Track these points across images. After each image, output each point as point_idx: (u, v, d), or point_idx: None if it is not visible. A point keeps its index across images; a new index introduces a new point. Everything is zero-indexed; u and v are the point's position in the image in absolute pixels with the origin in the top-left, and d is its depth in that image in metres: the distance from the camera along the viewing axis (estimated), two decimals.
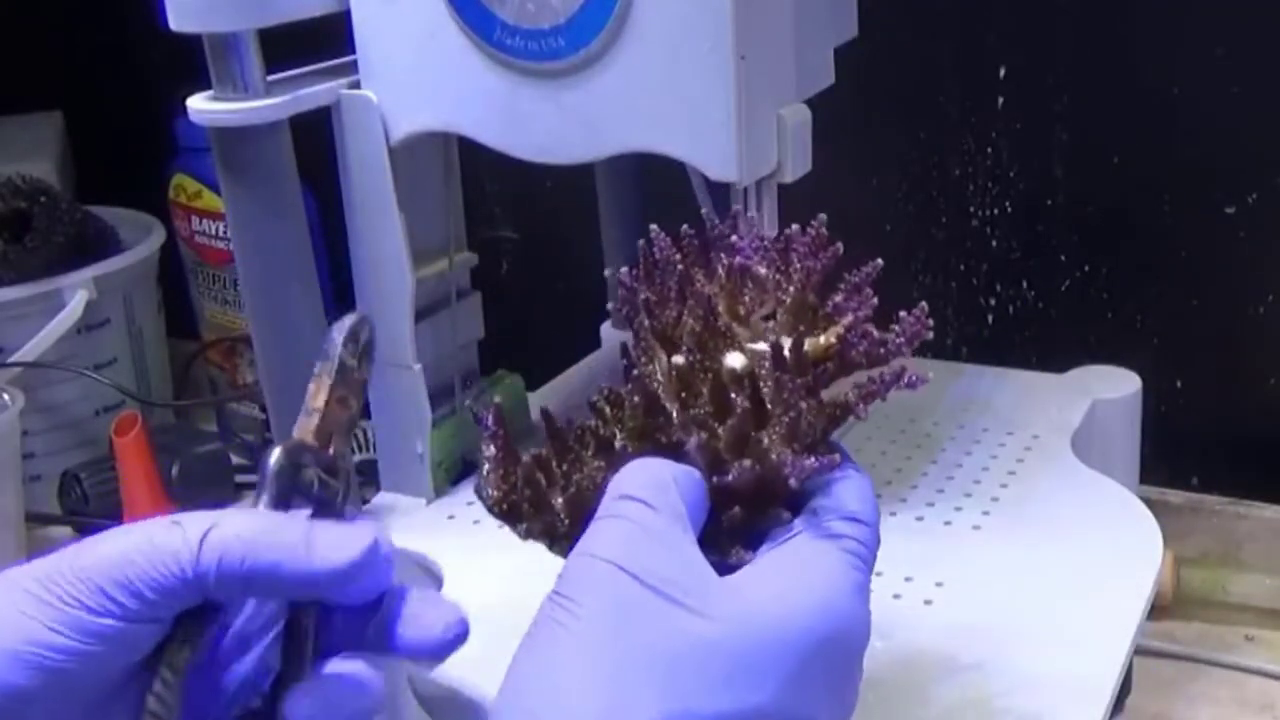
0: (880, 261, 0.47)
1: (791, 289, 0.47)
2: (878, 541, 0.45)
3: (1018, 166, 0.93)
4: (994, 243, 0.95)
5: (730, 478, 0.43)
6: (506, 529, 0.45)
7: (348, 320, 0.47)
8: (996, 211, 0.94)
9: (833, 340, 0.46)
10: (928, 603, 0.60)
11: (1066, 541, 0.64)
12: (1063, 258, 0.93)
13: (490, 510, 0.45)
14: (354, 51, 0.65)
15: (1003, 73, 0.91)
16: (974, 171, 0.94)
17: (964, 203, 0.95)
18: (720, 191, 0.62)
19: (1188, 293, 0.90)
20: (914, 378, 0.45)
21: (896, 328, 0.46)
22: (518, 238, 1.11)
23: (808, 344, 0.46)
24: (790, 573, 0.42)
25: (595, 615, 0.39)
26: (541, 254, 1.10)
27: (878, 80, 0.88)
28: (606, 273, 0.49)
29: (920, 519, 0.67)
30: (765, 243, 0.48)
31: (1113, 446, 0.77)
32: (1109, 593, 0.60)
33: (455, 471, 0.73)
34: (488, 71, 0.61)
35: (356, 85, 0.65)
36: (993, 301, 0.96)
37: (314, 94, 0.64)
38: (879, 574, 0.61)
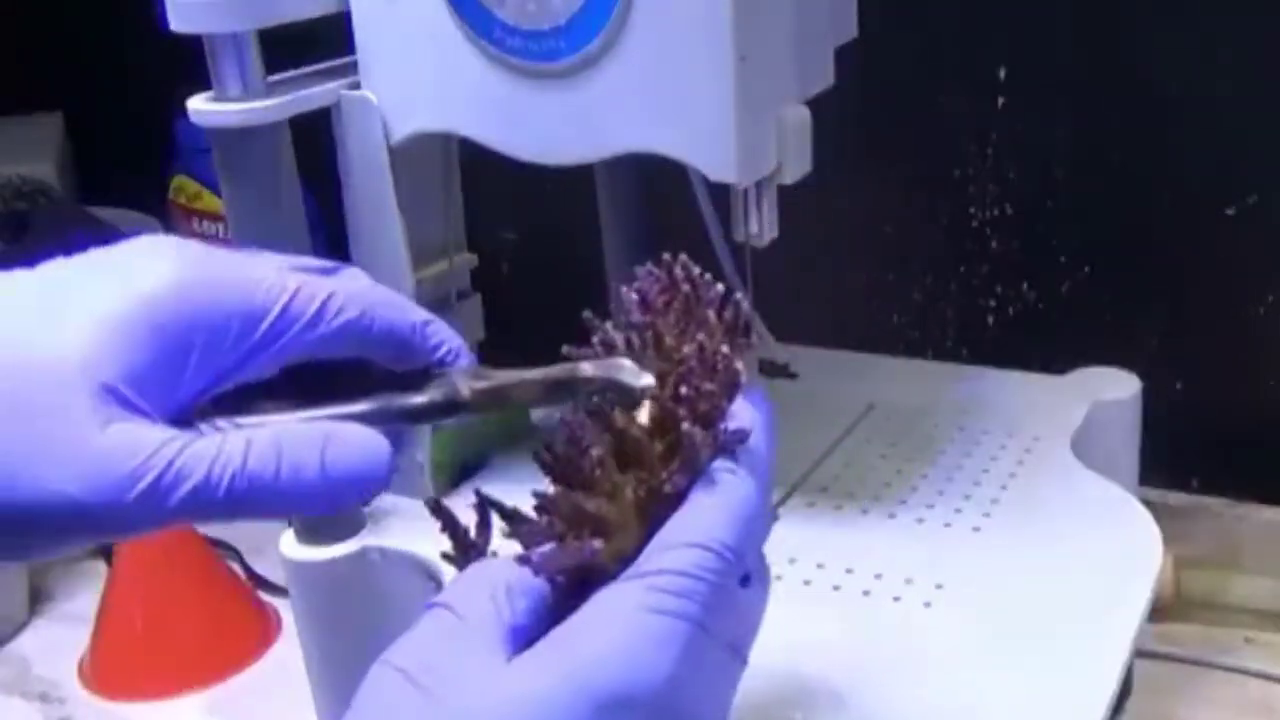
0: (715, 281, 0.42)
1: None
2: (729, 568, 0.37)
3: (1018, 167, 0.92)
4: (994, 243, 0.95)
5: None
6: (509, 536, 0.43)
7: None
8: (997, 212, 0.94)
9: (645, 420, 0.40)
10: (927, 605, 0.60)
11: (1066, 543, 0.64)
12: (1063, 258, 0.93)
13: None
14: (354, 51, 0.64)
15: (1003, 73, 0.91)
16: (974, 172, 0.94)
17: (964, 203, 0.95)
18: (720, 192, 0.62)
19: (1188, 293, 0.90)
20: (737, 432, 0.39)
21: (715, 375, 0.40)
22: (517, 238, 1.11)
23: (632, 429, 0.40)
24: (570, 637, 0.36)
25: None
26: (541, 254, 1.10)
27: (878, 80, 0.88)
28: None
29: (920, 521, 0.67)
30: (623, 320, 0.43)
31: (1113, 448, 0.77)
32: (1109, 595, 0.60)
33: (456, 474, 0.73)
34: (488, 72, 0.61)
35: (356, 85, 0.65)
36: (993, 302, 0.96)
37: (314, 94, 0.63)
38: (878, 576, 0.62)
